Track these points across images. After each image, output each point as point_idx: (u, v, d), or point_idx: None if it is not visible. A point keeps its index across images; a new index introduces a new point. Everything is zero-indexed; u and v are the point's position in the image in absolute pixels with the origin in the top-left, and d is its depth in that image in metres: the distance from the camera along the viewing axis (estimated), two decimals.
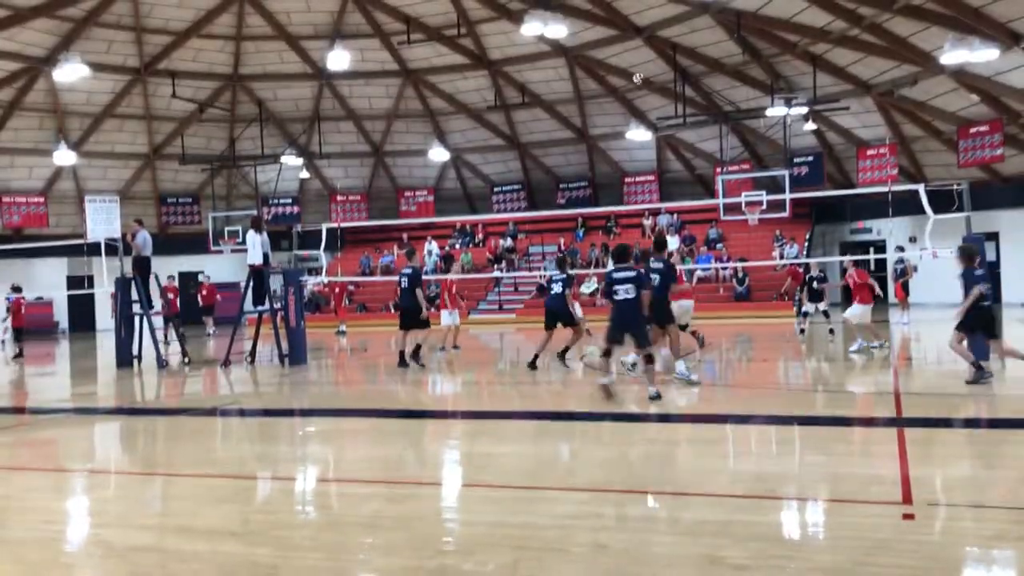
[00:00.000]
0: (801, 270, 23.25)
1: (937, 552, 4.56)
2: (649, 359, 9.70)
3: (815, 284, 17.92)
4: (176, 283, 24.08)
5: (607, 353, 9.90)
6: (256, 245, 15.92)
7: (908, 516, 5.05)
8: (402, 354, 13.96)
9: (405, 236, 34.66)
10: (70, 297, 30.27)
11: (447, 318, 17.54)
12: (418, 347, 13.96)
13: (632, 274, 9.83)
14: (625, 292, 9.65)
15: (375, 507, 5.81)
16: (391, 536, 5.04)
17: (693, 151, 30.97)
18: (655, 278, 10.78)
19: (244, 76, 30.56)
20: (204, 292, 26.61)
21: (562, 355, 12.97)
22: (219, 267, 31.80)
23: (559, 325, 13.16)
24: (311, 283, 28.31)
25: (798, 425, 8.64)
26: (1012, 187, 25.96)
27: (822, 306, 17.93)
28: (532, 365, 12.90)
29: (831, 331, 17.63)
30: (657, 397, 9.47)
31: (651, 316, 10.40)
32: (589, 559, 4.58)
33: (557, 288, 13.35)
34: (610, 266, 10.92)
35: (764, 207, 24.77)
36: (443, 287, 19.61)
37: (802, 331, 18.10)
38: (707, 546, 4.63)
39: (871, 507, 5.34)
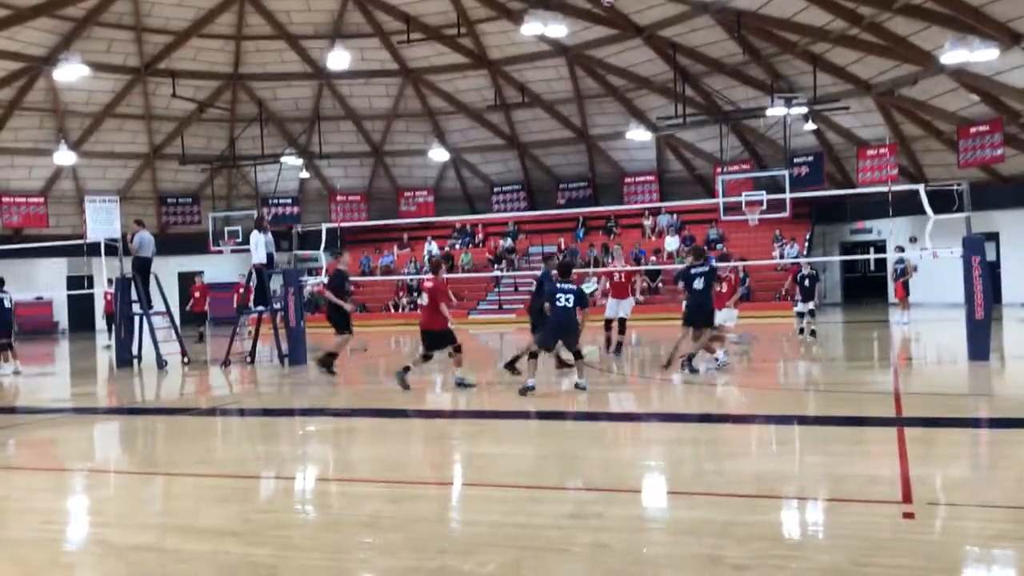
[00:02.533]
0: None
1: (937, 552, 4.55)
2: (578, 355, 10.63)
3: (807, 282, 17.92)
4: (202, 280, 23.92)
5: (534, 355, 10.69)
6: (260, 245, 15.93)
7: (908, 515, 5.04)
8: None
9: (405, 236, 34.69)
10: (70, 297, 30.26)
11: None
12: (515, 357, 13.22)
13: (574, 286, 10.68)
14: (566, 301, 10.48)
15: (375, 507, 5.81)
16: (391, 536, 5.03)
17: (693, 151, 30.98)
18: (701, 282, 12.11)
19: (244, 76, 30.56)
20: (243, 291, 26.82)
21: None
22: (218, 267, 31.79)
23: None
24: (311, 283, 28.29)
25: (798, 425, 8.65)
26: (1012, 187, 25.96)
27: (810, 305, 17.91)
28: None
29: (812, 332, 17.56)
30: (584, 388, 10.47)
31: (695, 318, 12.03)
32: (590, 559, 4.58)
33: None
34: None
35: (764, 207, 24.77)
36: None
37: (801, 331, 18.06)
38: (708, 546, 4.63)
39: (871, 507, 5.34)
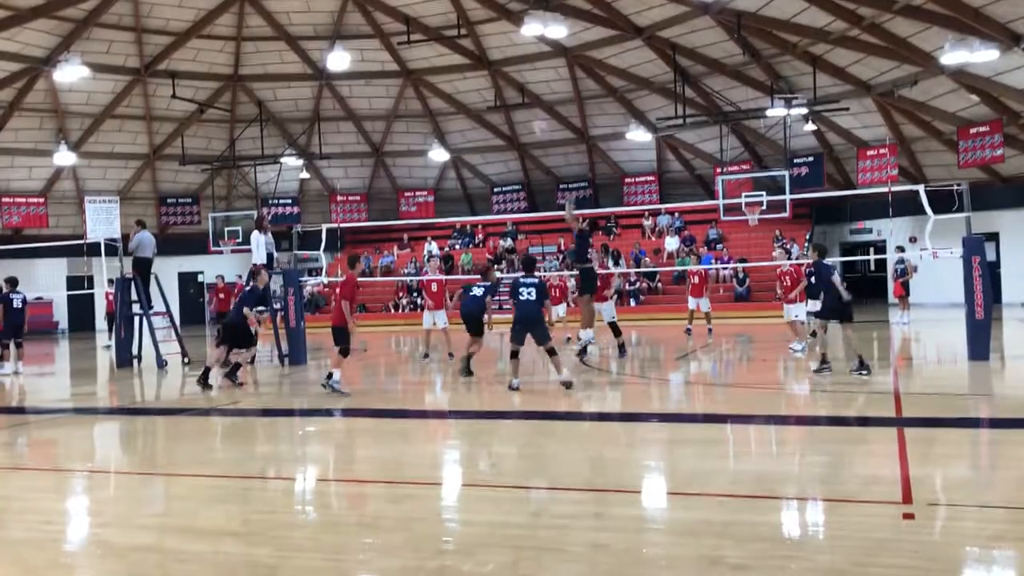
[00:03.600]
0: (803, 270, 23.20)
1: (937, 552, 4.56)
2: (552, 352, 10.75)
3: (812, 279, 17.84)
4: (224, 282, 23.95)
5: (514, 355, 10.88)
6: (260, 245, 15.93)
7: (908, 516, 5.05)
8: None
9: (406, 236, 34.69)
10: (69, 297, 30.27)
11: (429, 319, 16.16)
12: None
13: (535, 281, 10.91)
14: (528, 294, 10.71)
15: (375, 507, 5.82)
16: (391, 536, 5.04)
17: (693, 151, 30.98)
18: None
19: (244, 76, 30.56)
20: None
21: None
22: (218, 268, 31.78)
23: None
24: (311, 283, 28.32)
25: (798, 425, 8.65)
26: (1012, 187, 25.97)
27: (819, 305, 17.81)
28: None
29: (813, 333, 17.47)
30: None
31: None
32: (588, 559, 4.58)
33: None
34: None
35: (764, 208, 24.78)
36: (423, 285, 18.83)
37: (813, 333, 17.63)
38: (707, 546, 4.63)
39: (871, 507, 5.34)
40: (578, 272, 14.27)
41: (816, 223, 30.47)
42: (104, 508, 6.19)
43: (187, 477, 6.95)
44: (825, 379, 11.11)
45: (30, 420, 10.95)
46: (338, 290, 11.65)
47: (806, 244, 28.72)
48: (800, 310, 15.26)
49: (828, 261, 12.84)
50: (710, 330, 18.51)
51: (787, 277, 15.37)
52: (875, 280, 31.03)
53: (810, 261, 19.40)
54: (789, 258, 17.73)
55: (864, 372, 11.16)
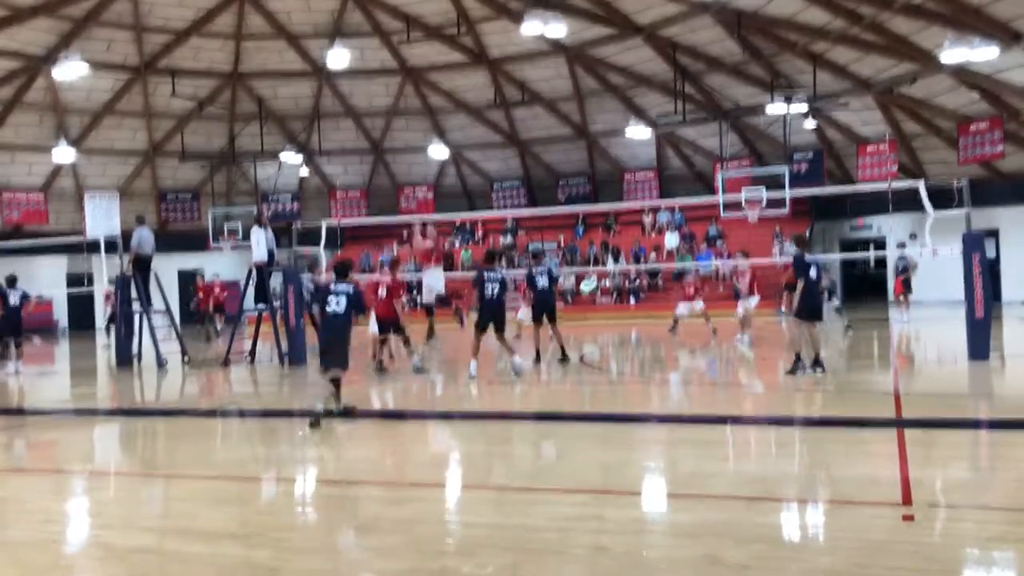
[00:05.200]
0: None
1: (937, 553, 4.56)
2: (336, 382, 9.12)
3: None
4: (219, 279, 24.05)
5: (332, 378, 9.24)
6: (260, 242, 15.83)
7: (908, 517, 5.05)
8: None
9: (405, 232, 34.60)
10: (69, 295, 30.24)
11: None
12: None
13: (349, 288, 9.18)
14: (336, 305, 9.01)
15: (375, 509, 5.82)
16: (391, 538, 5.04)
17: (693, 148, 30.96)
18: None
19: (244, 74, 30.52)
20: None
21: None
22: (218, 264, 31.76)
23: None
24: (306, 280, 28.20)
25: (797, 426, 8.65)
26: (1012, 184, 25.95)
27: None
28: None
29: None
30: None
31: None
32: (589, 561, 4.58)
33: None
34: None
35: (764, 204, 24.75)
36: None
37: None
38: (707, 548, 4.63)
39: (871, 508, 5.34)
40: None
41: (816, 220, 30.43)
42: (104, 509, 6.19)
43: (186, 479, 6.96)
44: (799, 378, 11.01)
45: (29, 421, 10.94)
46: (385, 290, 12.99)
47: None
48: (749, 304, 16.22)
49: (823, 257, 12.73)
50: (714, 331, 17.92)
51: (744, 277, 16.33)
52: (875, 277, 31.00)
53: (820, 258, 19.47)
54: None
55: (820, 370, 11.14)
